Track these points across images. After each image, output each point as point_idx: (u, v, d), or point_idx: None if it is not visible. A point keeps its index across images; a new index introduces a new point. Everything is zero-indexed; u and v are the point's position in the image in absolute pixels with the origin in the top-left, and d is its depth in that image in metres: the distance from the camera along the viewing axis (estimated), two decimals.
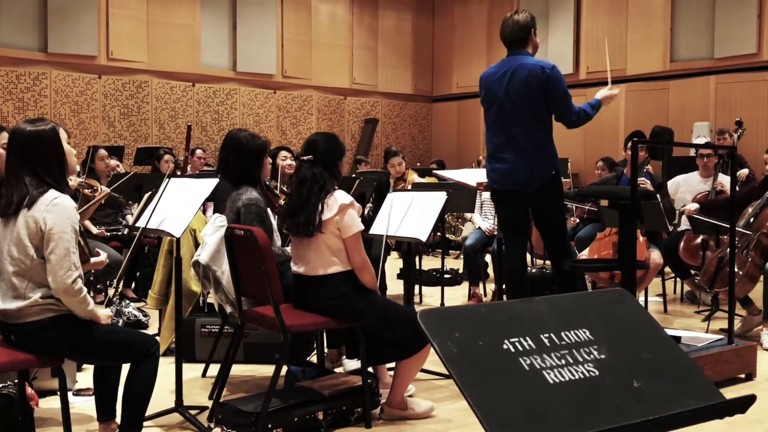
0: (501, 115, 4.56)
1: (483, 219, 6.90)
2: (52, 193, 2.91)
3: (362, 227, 3.62)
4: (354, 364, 4.15)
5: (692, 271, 6.28)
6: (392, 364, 3.94)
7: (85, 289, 2.92)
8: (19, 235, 2.89)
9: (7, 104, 11.05)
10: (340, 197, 3.57)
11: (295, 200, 3.65)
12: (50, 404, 3.78)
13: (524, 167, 4.51)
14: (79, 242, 3.02)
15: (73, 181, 3.33)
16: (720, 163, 6.54)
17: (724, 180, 6.28)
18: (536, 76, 4.45)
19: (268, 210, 4.09)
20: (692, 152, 8.33)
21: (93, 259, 3.35)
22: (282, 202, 4.43)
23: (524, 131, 4.50)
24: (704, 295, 6.30)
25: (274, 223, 4.09)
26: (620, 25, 12.27)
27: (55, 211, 2.87)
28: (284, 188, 4.86)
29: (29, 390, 3.35)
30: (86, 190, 5.50)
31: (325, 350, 4.44)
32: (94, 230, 6.48)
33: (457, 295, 7.18)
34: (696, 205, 5.88)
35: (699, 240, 6.00)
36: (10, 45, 11.02)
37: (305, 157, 3.66)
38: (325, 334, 4.34)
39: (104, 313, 3.05)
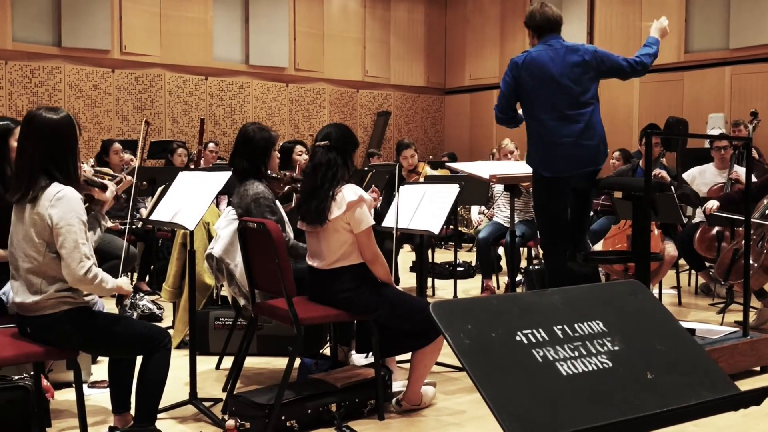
0: (560, 96, 4.39)
1: (497, 212, 6.88)
2: (54, 187, 2.91)
3: (372, 222, 3.61)
4: (361, 359, 4.15)
5: (707, 264, 6.25)
6: (403, 356, 3.95)
7: (100, 274, 2.92)
8: (29, 232, 2.91)
9: (21, 98, 11.12)
10: (348, 194, 3.55)
11: (308, 186, 3.64)
12: (65, 396, 3.81)
13: (592, 148, 4.41)
14: (95, 181, 3.06)
15: (87, 171, 3.34)
16: (735, 154, 6.49)
17: (740, 171, 6.23)
18: (587, 51, 4.44)
19: (277, 201, 4.12)
20: (707, 144, 8.27)
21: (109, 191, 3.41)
22: (286, 188, 4.42)
23: (589, 111, 4.42)
24: (719, 288, 6.26)
25: (284, 213, 4.12)
26: (634, 15, 12.19)
27: (59, 205, 2.87)
28: (287, 173, 4.84)
29: (45, 382, 3.38)
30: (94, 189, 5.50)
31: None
32: (108, 223, 6.51)
33: (470, 288, 7.17)
34: (716, 203, 5.80)
35: (714, 231, 5.96)
36: (24, 39, 11.08)
37: (321, 143, 3.66)
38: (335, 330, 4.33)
39: (124, 281, 3.12)
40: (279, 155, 4.49)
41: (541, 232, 4.69)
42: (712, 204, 5.83)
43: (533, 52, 4.49)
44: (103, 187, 3.38)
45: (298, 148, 5.56)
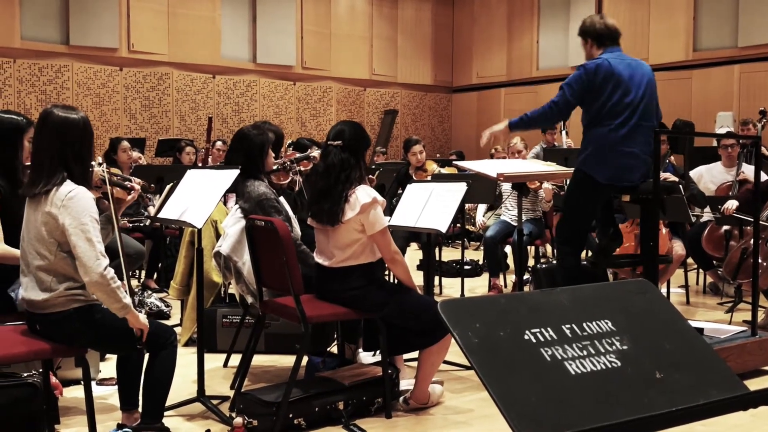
0: (638, 106, 4.30)
1: (504, 210, 6.88)
2: (66, 186, 2.92)
3: (386, 223, 3.61)
4: (369, 357, 4.15)
5: (715, 263, 6.22)
6: (411, 355, 3.96)
7: (118, 281, 2.92)
8: (40, 231, 2.92)
9: (29, 96, 11.16)
10: (362, 196, 3.54)
11: (321, 186, 3.64)
12: (74, 393, 3.83)
13: (647, 161, 4.34)
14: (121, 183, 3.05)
15: (97, 168, 3.34)
16: (743, 152, 6.47)
17: (748, 170, 6.21)
18: (651, 74, 4.44)
19: (281, 198, 4.13)
20: (715, 143, 8.24)
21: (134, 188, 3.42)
22: (292, 173, 4.44)
23: (652, 126, 4.37)
24: (727, 287, 6.24)
25: (289, 210, 4.14)
26: (642, 14, 12.15)
27: (70, 205, 2.88)
28: (286, 158, 4.85)
29: (53, 379, 3.39)
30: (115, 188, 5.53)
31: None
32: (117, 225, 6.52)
33: (477, 287, 7.17)
34: (735, 203, 5.76)
35: (722, 231, 5.94)
36: (32, 38, 11.12)
37: (334, 142, 3.65)
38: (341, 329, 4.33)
39: (143, 317, 3.02)
40: (273, 155, 4.49)
41: (564, 231, 4.59)
42: (732, 204, 5.78)
43: (610, 60, 4.35)
44: (128, 189, 3.39)
45: (315, 148, 5.58)
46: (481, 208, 7.50)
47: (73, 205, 2.88)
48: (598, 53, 4.47)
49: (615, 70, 4.31)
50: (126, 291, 2.97)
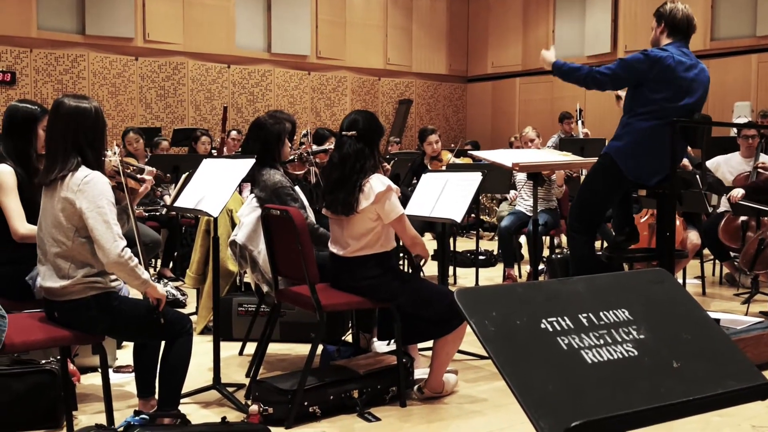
0: (685, 111, 4.17)
1: (519, 200, 6.86)
2: (82, 172, 2.95)
3: (402, 210, 3.61)
4: (383, 346, 4.17)
5: (732, 253, 6.19)
6: (426, 344, 3.96)
7: (135, 259, 2.95)
8: (58, 217, 2.94)
9: (46, 86, 11.22)
10: (376, 185, 3.54)
11: (336, 176, 3.63)
12: (91, 380, 3.86)
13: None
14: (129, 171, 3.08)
15: (111, 158, 3.36)
16: (762, 142, 6.42)
17: (767, 160, 6.17)
18: (709, 80, 4.29)
19: (296, 188, 4.15)
20: (733, 132, 8.17)
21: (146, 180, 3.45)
22: (307, 164, 4.45)
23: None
24: (744, 278, 6.20)
25: (304, 198, 4.15)
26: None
27: (86, 189, 2.91)
28: (302, 150, 4.86)
29: (71, 366, 3.42)
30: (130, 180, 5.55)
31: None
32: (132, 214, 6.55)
33: (492, 277, 7.16)
34: (741, 191, 5.74)
35: (739, 221, 5.91)
36: (48, 28, 11.17)
37: (349, 133, 3.65)
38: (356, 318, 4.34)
39: (160, 287, 3.06)
40: (290, 145, 4.50)
41: (577, 218, 4.49)
42: (738, 192, 5.76)
43: (675, 56, 4.20)
44: (141, 181, 3.41)
45: (333, 140, 5.60)
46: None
47: (90, 189, 2.91)
48: (665, 43, 4.29)
49: (677, 69, 4.14)
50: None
